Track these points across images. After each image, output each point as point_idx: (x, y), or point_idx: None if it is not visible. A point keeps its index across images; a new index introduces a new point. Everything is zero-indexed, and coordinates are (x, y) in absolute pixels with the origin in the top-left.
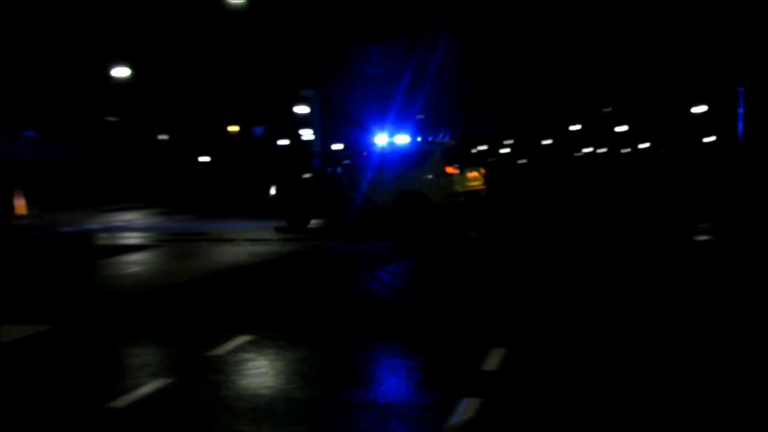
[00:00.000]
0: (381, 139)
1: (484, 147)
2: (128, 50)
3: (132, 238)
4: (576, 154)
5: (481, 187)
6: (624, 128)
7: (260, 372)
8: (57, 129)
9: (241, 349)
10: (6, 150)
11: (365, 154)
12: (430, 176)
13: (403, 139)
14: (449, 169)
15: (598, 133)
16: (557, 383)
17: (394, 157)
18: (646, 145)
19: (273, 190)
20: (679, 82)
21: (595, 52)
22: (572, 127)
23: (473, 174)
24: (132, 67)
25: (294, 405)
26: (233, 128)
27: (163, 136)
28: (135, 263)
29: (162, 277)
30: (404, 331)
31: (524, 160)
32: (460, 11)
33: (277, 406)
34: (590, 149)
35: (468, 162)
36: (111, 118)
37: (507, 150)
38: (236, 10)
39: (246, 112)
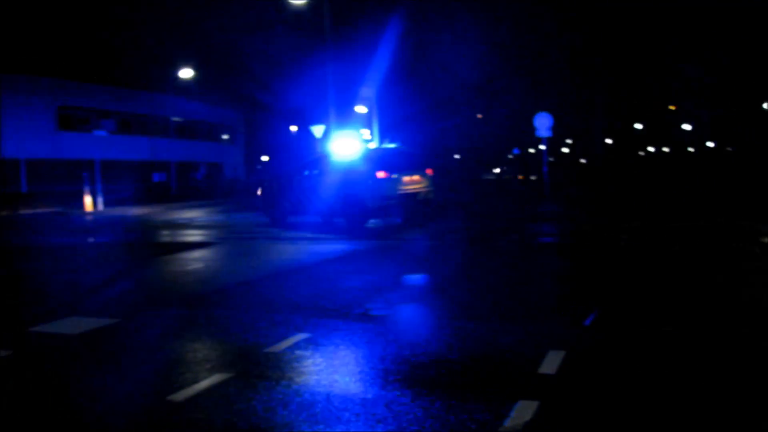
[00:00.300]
0: (338, 146)
1: (542, 147)
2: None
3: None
4: (639, 153)
5: (422, 189)
6: (688, 127)
7: (316, 369)
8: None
9: (298, 346)
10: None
11: (320, 160)
12: (366, 181)
13: (355, 146)
14: (379, 174)
15: (661, 132)
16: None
17: (343, 163)
18: (712, 144)
19: (259, 191)
20: (748, 77)
21: (659, 46)
22: (636, 126)
23: (412, 178)
24: None
25: (348, 403)
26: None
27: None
28: (196, 259)
29: (223, 275)
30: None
31: (584, 160)
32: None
33: (333, 403)
34: (653, 149)
35: (410, 167)
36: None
37: (566, 150)
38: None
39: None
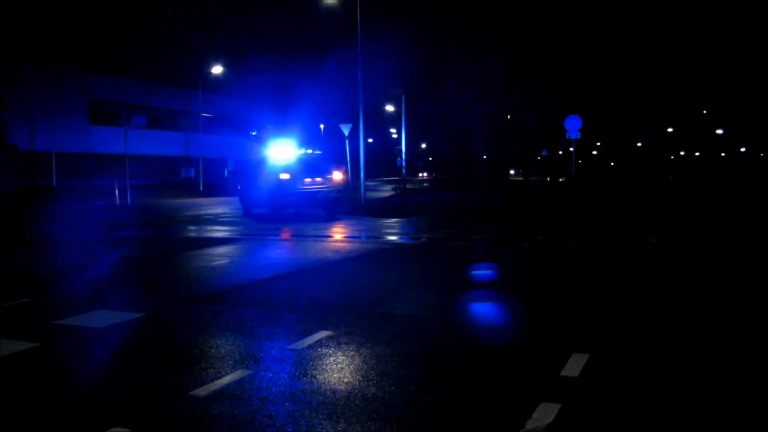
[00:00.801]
0: (273, 151)
1: (572, 149)
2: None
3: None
4: (672, 157)
5: (322, 188)
6: (720, 131)
7: (338, 367)
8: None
9: (320, 344)
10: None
11: (262, 162)
12: (275, 180)
13: (287, 152)
14: (282, 176)
15: (694, 135)
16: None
17: (273, 165)
18: (743, 149)
19: (238, 186)
20: None
21: (691, 51)
22: (668, 130)
23: (314, 179)
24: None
25: (370, 402)
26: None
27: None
28: (221, 255)
29: (243, 270)
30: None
31: (612, 163)
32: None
33: (353, 402)
34: (683, 153)
35: (317, 171)
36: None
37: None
38: None
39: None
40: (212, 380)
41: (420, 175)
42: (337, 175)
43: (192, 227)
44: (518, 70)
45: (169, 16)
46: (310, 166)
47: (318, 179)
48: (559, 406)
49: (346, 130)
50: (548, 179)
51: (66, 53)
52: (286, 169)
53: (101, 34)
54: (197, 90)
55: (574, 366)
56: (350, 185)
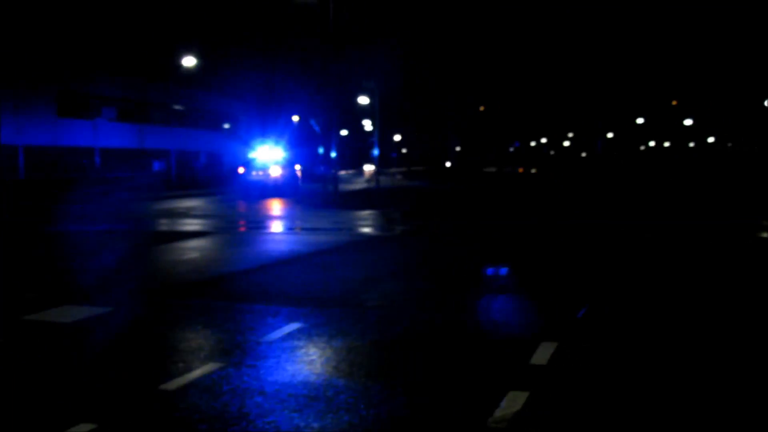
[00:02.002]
0: (257, 152)
1: (544, 140)
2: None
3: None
4: (641, 148)
5: (276, 177)
6: (689, 122)
7: (309, 359)
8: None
9: (291, 336)
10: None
11: (251, 160)
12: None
13: (267, 152)
14: (239, 169)
15: (664, 126)
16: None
17: (253, 162)
18: (712, 139)
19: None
20: (750, 73)
21: (661, 41)
22: (638, 120)
23: (267, 171)
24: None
25: (341, 393)
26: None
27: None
28: (193, 249)
29: (217, 264)
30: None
31: (584, 154)
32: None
33: (324, 393)
34: (653, 143)
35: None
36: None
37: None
38: None
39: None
40: (182, 374)
41: (394, 167)
42: (298, 168)
43: (163, 221)
44: (492, 62)
45: (143, 6)
46: (280, 161)
47: (271, 170)
48: (527, 394)
49: (316, 125)
50: (521, 170)
51: (35, 43)
52: (246, 163)
53: (71, 23)
54: (169, 81)
55: (543, 354)
56: (308, 176)
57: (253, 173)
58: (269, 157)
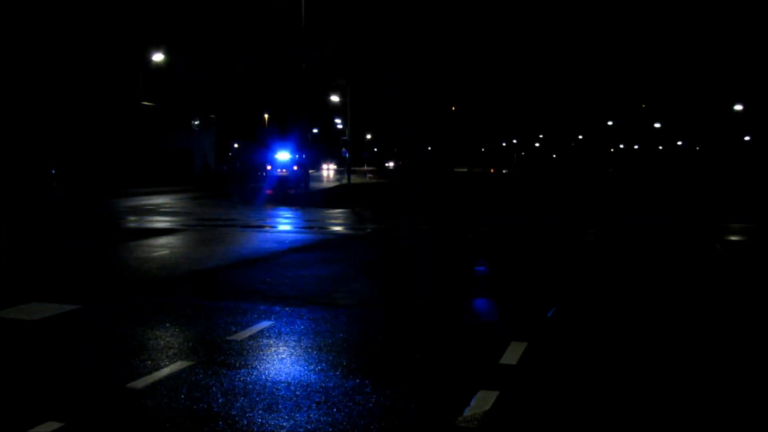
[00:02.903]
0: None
1: (514, 141)
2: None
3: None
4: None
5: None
6: (658, 125)
7: (279, 357)
8: None
9: (261, 334)
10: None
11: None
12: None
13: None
14: (268, 167)
15: (633, 128)
16: None
17: (276, 161)
18: (680, 142)
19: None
20: (718, 79)
21: (631, 45)
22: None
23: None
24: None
25: (311, 391)
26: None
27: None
28: (162, 247)
29: (185, 261)
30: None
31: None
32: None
33: (294, 391)
34: (622, 146)
35: (286, 165)
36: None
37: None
38: None
39: None
40: (150, 372)
41: (365, 166)
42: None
43: (132, 218)
44: (463, 63)
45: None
46: (292, 162)
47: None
48: (497, 393)
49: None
50: (492, 170)
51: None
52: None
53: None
54: (138, 77)
55: (513, 354)
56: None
57: (277, 171)
58: (286, 158)
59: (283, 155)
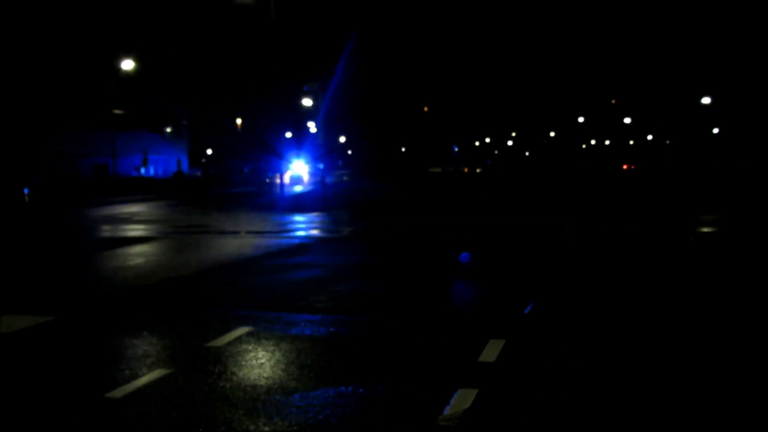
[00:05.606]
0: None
1: (487, 139)
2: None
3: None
4: (583, 146)
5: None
6: (628, 120)
7: (258, 363)
8: None
9: (240, 340)
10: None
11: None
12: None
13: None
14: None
15: (604, 124)
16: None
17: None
18: (650, 137)
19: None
20: (687, 73)
21: (601, 42)
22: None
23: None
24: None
25: (290, 396)
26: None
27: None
28: (138, 255)
29: (163, 270)
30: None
31: (527, 153)
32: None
33: (273, 396)
34: (594, 141)
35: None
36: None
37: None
38: None
39: None
40: (129, 381)
41: (339, 170)
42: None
43: (106, 227)
44: (435, 63)
45: (79, 5)
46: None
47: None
48: (476, 391)
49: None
50: (466, 170)
51: None
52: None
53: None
54: (108, 83)
55: (491, 351)
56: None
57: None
58: (300, 167)
59: (297, 165)
